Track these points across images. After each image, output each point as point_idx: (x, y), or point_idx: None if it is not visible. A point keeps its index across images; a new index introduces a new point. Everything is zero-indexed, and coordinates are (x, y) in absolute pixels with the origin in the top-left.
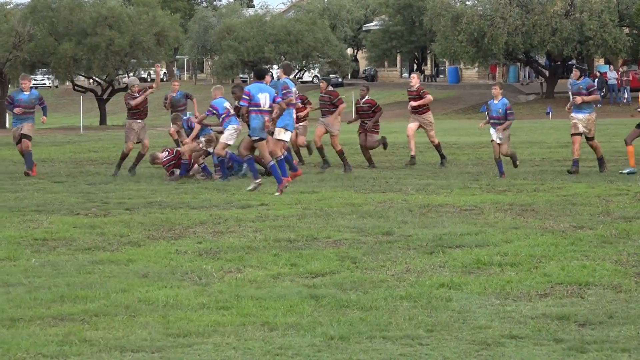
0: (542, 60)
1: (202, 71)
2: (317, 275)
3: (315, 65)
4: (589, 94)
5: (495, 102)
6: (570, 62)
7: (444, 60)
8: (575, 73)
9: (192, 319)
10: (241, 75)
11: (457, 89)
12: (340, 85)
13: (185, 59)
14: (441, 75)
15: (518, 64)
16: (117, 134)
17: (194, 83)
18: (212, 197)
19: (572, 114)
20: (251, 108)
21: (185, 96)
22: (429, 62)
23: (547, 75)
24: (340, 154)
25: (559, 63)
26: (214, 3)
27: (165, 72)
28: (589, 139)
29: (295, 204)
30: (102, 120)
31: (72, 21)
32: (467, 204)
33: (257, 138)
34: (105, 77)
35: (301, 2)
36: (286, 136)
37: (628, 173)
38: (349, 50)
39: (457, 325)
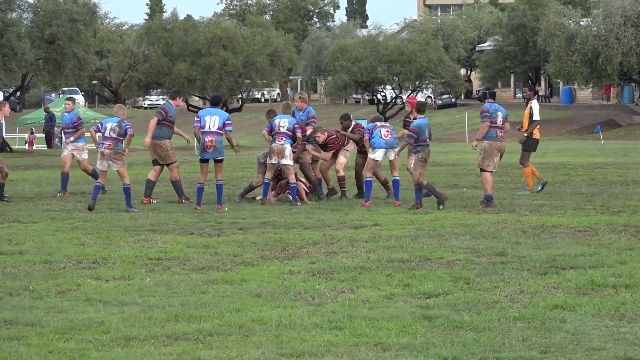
0: None
1: (315, 92)
2: (430, 295)
3: (428, 86)
4: None
5: None
6: None
7: (558, 80)
8: None
9: (305, 339)
10: (354, 96)
11: (571, 109)
12: (454, 105)
13: (299, 80)
14: (555, 96)
15: (632, 84)
16: (229, 155)
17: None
18: (325, 217)
19: None
20: (201, 130)
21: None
22: (542, 82)
23: None
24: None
25: None
26: (328, 24)
27: (279, 93)
28: None
29: (408, 224)
30: None
31: (187, 42)
32: (581, 224)
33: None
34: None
35: (414, 22)
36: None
37: None
38: (462, 71)
39: (571, 347)
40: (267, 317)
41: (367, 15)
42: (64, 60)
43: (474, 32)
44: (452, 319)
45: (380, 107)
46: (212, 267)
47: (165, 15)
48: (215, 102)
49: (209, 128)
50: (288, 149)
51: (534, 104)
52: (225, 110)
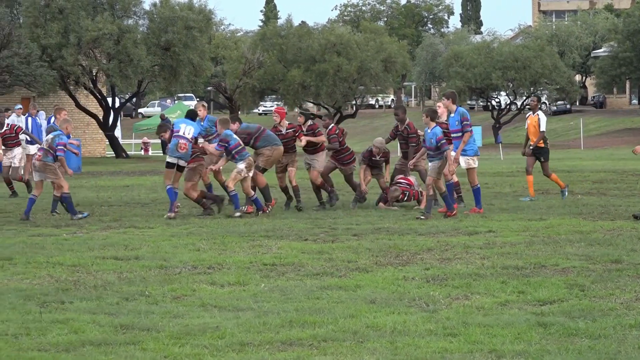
0: None
1: (429, 98)
2: (545, 303)
3: (543, 92)
4: None
5: None
6: None
7: None
8: None
9: (419, 345)
10: (468, 102)
11: None
12: (569, 112)
13: (413, 86)
14: None
15: None
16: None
17: (421, 110)
18: (440, 223)
19: None
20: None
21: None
22: None
23: None
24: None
25: None
26: (442, 30)
27: (393, 99)
28: None
29: (522, 231)
30: None
31: (301, 48)
32: None
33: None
34: (333, 103)
35: (529, 28)
36: (477, 162)
37: None
38: (577, 77)
39: None
40: (381, 323)
41: (481, 21)
42: (179, 66)
43: (589, 38)
44: (567, 326)
45: (495, 113)
46: (327, 273)
47: (280, 21)
48: (191, 116)
49: (184, 133)
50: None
51: (541, 115)
52: (339, 117)
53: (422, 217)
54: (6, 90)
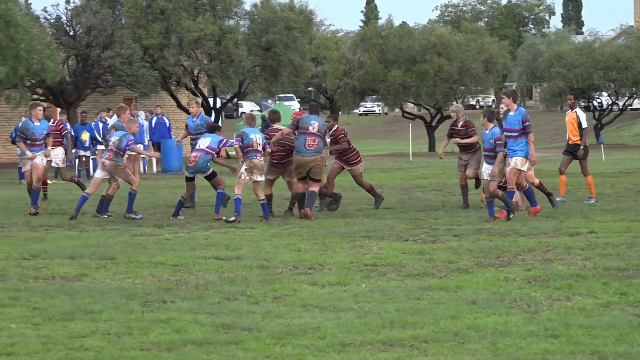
0: None
1: (530, 98)
2: None
3: None
4: None
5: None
6: None
7: None
8: None
9: (521, 347)
10: None
11: None
12: None
13: (514, 86)
14: None
15: None
16: (447, 161)
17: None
18: (541, 224)
19: None
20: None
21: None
22: None
23: None
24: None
25: None
26: (543, 30)
27: (493, 99)
28: None
29: (624, 232)
30: (431, 147)
31: (401, 48)
32: None
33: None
34: (434, 104)
35: (631, 28)
36: (525, 166)
37: None
38: None
39: None
40: (482, 324)
41: (582, 21)
42: (280, 67)
43: None
44: None
45: (596, 114)
46: (427, 274)
47: (380, 22)
48: (211, 130)
49: (199, 146)
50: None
51: (580, 112)
52: (440, 118)
53: (511, 216)
54: (109, 90)
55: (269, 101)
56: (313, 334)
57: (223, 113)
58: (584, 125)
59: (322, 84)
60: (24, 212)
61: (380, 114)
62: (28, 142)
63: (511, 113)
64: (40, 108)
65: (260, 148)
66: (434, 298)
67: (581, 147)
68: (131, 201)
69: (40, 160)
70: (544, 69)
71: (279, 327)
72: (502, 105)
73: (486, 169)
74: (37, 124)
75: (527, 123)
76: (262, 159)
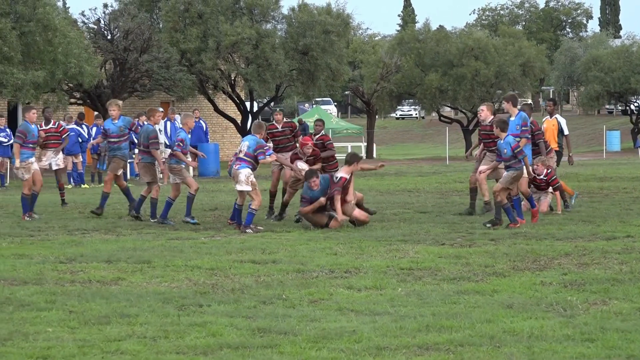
0: None
1: (567, 102)
2: None
3: None
4: None
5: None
6: None
7: None
8: None
9: (556, 351)
10: (607, 106)
11: None
12: None
13: (551, 90)
14: None
15: None
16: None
17: (560, 113)
18: (577, 228)
19: None
20: None
21: None
22: None
23: None
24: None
25: None
26: (580, 34)
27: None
28: None
29: None
30: (468, 151)
31: (439, 52)
32: None
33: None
34: (470, 107)
35: None
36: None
37: None
38: None
39: None
40: (518, 328)
41: (620, 25)
42: (317, 70)
43: None
44: None
45: (634, 117)
46: (464, 278)
47: (418, 25)
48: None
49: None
50: (242, 174)
51: (560, 119)
52: (477, 122)
53: (513, 225)
54: (146, 94)
55: (306, 105)
56: (349, 337)
57: (260, 117)
58: (566, 132)
59: (359, 88)
60: (61, 215)
61: (417, 117)
62: (30, 145)
63: (512, 118)
64: (35, 111)
65: (242, 155)
66: (470, 302)
67: (570, 154)
68: (189, 205)
69: (37, 165)
70: (581, 72)
71: (314, 331)
72: (482, 107)
73: (505, 176)
74: (33, 126)
75: (524, 127)
76: (238, 167)
